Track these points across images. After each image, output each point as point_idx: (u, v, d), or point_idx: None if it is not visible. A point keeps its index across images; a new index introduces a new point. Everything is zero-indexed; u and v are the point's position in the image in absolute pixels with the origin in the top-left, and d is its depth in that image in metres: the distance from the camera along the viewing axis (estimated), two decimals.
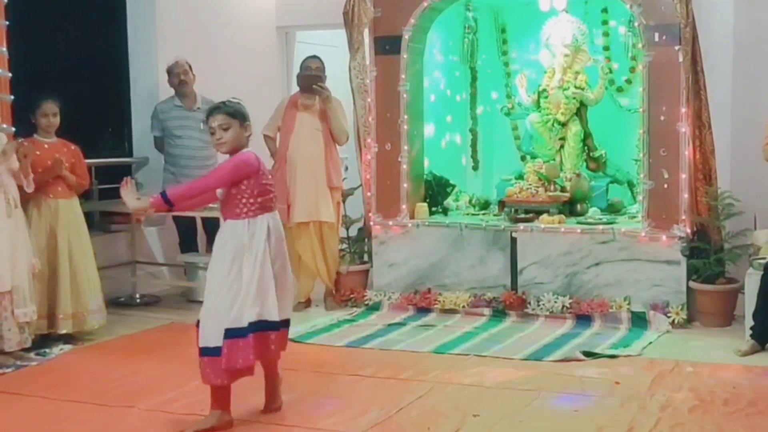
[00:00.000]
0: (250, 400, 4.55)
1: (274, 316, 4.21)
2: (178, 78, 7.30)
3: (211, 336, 4.16)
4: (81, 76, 8.02)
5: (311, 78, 6.72)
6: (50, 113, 5.91)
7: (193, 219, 7.12)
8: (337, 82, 7.20)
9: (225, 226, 4.28)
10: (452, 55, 7.71)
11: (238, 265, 4.16)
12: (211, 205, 4.89)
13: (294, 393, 4.76)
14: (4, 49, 5.77)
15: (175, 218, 7.44)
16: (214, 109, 4.26)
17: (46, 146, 5.92)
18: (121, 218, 7.45)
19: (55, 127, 5.96)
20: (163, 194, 4.26)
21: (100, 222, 7.40)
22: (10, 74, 5.80)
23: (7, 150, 5.42)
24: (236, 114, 4.23)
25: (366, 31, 6.95)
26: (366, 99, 7.03)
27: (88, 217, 6.53)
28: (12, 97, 5.82)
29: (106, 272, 6.83)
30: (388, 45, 6.95)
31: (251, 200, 4.19)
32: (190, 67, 7.35)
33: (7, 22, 5.79)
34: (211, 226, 6.84)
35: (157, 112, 7.36)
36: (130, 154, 8.08)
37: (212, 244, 6.86)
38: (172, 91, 7.61)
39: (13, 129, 5.84)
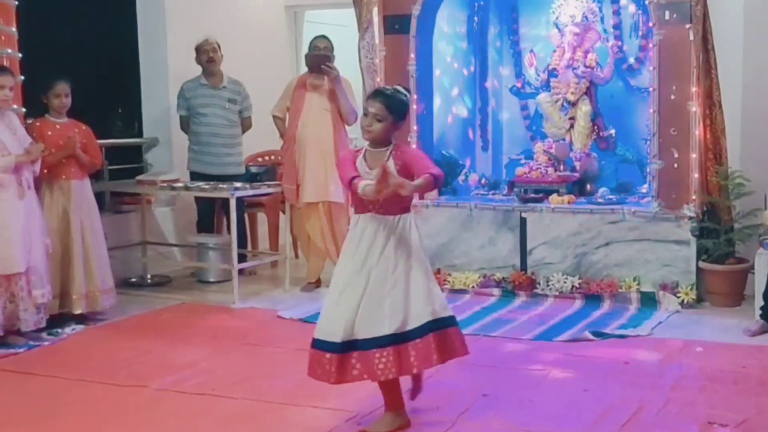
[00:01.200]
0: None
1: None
2: (207, 55, 7.30)
3: None
4: (91, 57, 8.05)
5: (320, 58, 6.70)
6: (62, 93, 5.92)
7: (213, 200, 7.11)
8: (346, 61, 7.19)
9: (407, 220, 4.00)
10: (461, 35, 7.67)
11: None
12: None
13: (304, 373, 4.76)
14: (14, 29, 5.77)
15: (196, 198, 7.45)
16: (378, 94, 3.96)
17: (57, 126, 5.93)
18: (131, 199, 7.49)
19: (66, 108, 5.97)
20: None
21: (110, 203, 7.43)
22: (20, 55, 5.81)
23: (33, 151, 5.45)
24: (394, 110, 3.90)
25: (375, 10, 6.92)
26: (375, 78, 7.01)
27: (99, 197, 6.56)
28: (22, 77, 5.83)
29: (117, 253, 6.87)
30: (397, 24, 6.93)
31: None
32: (218, 46, 7.36)
33: (17, 2, 5.79)
34: (229, 208, 6.84)
35: (183, 90, 7.37)
36: (140, 135, 8.10)
37: (239, 227, 6.93)
38: (180, 72, 7.62)
39: (24, 109, 5.86)
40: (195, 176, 7.31)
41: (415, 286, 3.89)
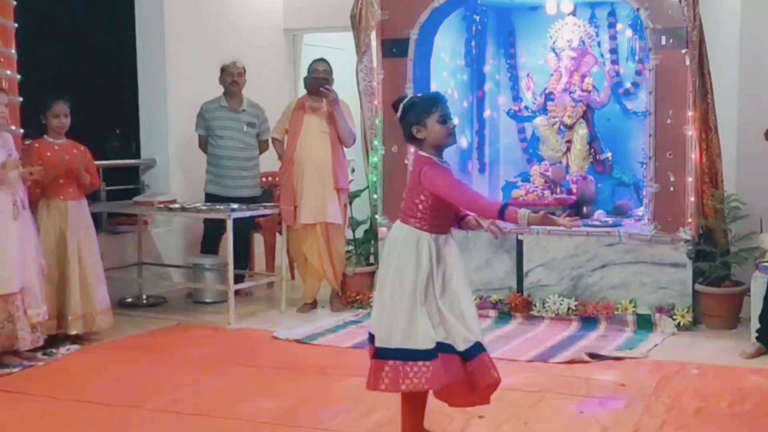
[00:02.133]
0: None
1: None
2: (232, 78, 7.33)
3: None
4: (89, 78, 8.07)
5: (318, 81, 6.74)
6: (62, 114, 5.92)
7: (222, 222, 7.10)
8: (344, 84, 7.23)
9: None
10: (459, 58, 7.72)
11: None
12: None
13: (300, 394, 4.77)
14: (13, 51, 5.80)
15: (205, 221, 7.44)
16: (444, 98, 3.94)
17: (56, 147, 5.93)
18: (127, 220, 7.50)
19: (66, 128, 5.97)
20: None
21: (107, 223, 7.43)
22: (18, 76, 5.83)
23: (8, 165, 5.42)
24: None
25: (373, 34, 6.97)
26: (373, 101, 7.05)
27: (96, 218, 6.56)
28: (21, 98, 5.85)
29: (113, 273, 6.86)
30: (395, 48, 6.97)
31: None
32: (244, 70, 7.40)
33: (16, 25, 5.82)
34: (239, 229, 6.83)
35: (203, 111, 7.40)
36: (138, 156, 8.12)
37: (237, 247, 6.91)
38: (176, 93, 7.65)
39: (22, 131, 5.87)
40: (211, 198, 7.30)
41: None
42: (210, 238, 7.53)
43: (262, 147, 7.52)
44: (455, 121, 3.97)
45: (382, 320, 3.80)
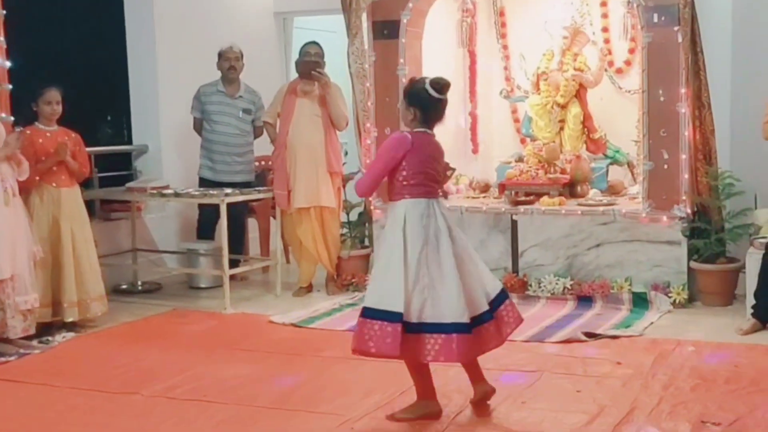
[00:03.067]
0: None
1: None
2: (229, 63, 7.28)
3: None
4: (79, 65, 8.03)
5: (310, 64, 6.71)
6: (53, 101, 5.88)
7: (217, 207, 7.08)
8: (336, 67, 7.19)
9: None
10: (450, 39, 7.69)
11: None
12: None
13: (297, 377, 4.77)
14: (2, 38, 5.76)
15: (200, 206, 7.43)
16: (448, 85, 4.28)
17: (48, 134, 5.90)
18: (121, 206, 7.47)
19: (57, 115, 5.93)
20: None
21: (100, 210, 7.41)
22: (9, 63, 5.79)
23: (10, 141, 5.41)
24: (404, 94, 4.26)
25: (364, 16, 6.93)
26: (365, 84, 7.02)
27: (89, 205, 6.53)
28: (11, 86, 5.81)
29: (108, 260, 6.85)
30: (386, 29, 6.94)
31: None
32: (242, 55, 7.35)
33: (5, 12, 5.78)
34: (234, 214, 6.81)
35: (200, 93, 7.36)
36: (130, 142, 8.09)
37: (234, 232, 6.91)
38: (168, 79, 7.61)
39: (12, 118, 5.84)
40: (205, 183, 7.29)
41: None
42: (205, 223, 7.52)
43: (257, 133, 7.49)
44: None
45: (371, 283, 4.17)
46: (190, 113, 7.42)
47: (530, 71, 7.47)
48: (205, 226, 7.52)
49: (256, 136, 7.49)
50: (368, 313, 3.97)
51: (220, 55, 7.34)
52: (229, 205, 6.55)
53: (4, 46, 5.78)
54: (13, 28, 5.90)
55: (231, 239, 6.64)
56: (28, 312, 5.48)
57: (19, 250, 5.44)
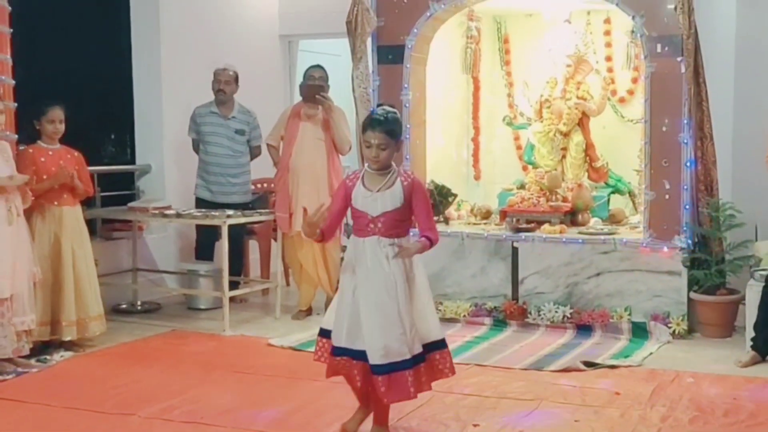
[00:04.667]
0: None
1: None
2: (219, 85, 7.30)
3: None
4: (84, 83, 8.04)
5: (314, 88, 6.74)
6: (57, 119, 5.89)
7: (215, 228, 7.10)
8: (340, 91, 7.22)
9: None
10: (454, 65, 7.72)
11: None
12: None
13: (296, 401, 4.76)
14: (8, 56, 5.78)
15: (197, 227, 7.43)
16: (376, 124, 4.01)
17: (50, 153, 5.91)
18: (122, 226, 7.48)
19: (60, 134, 5.94)
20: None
21: (102, 229, 7.41)
22: (13, 81, 5.81)
23: (16, 179, 5.43)
24: (394, 134, 4.05)
25: (369, 41, 6.96)
26: (369, 108, 7.04)
27: (90, 224, 6.54)
28: (15, 104, 5.83)
29: (108, 279, 6.85)
30: (390, 54, 6.97)
31: None
32: (237, 77, 7.35)
33: (11, 30, 5.80)
34: (233, 235, 6.81)
35: (195, 115, 7.38)
36: (133, 162, 8.10)
37: (232, 253, 6.91)
38: (172, 99, 7.64)
39: (16, 136, 5.85)
40: (201, 203, 7.30)
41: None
42: (203, 244, 7.52)
43: (254, 153, 7.50)
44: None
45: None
46: (188, 134, 7.45)
47: (533, 99, 7.49)
48: (204, 247, 7.53)
49: (253, 157, 7.50)
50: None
51: (214, 74, 7.36)
52: (228, 227, 6.55)
53: (10, 64, 5.80)
54: (18, 46, 5.92)
55: (229, 260, 6.63)
56: (24, 333, 5.47)
57: (20, 271, 5.44)
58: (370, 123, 4.04)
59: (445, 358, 4.16)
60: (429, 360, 4.09)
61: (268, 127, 7.14)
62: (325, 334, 4.23)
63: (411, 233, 4.16)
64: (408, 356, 3.96)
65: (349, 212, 4.18)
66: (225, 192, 7.31)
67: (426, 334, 4.09)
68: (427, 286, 4.16)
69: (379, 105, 4.22)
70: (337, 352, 4.08)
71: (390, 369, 3.93)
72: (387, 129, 4.01)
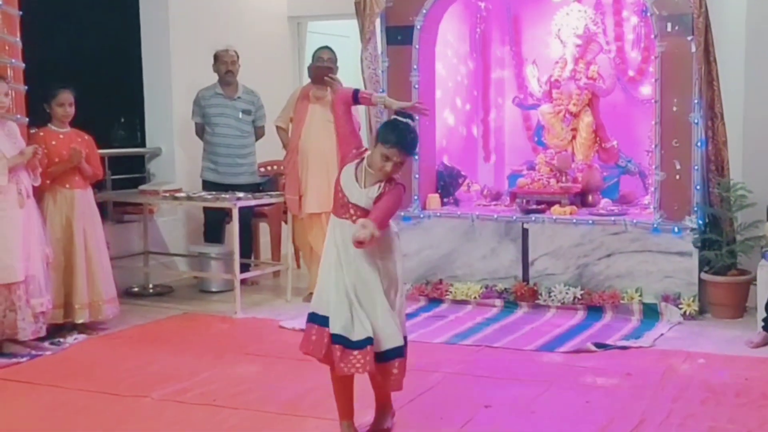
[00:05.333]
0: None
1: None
2: (226, 67, 7.32)
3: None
4: (93, 67, 8.04)
5: (322, 69, 6.73)
6: (66, 103, 5.91)
7: (223, 210, 7.11)
8: (349, 72, 7.21)
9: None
10: (463, 46, 7.70)
11: None
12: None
13: (307, 383, 4.78)
14: (18, 39, 5.78)
15: (205, 209, 7.46)
16: (405, 144, 3.83)
17: (60, 136, 5.93)
18: (133, 209, 7.50)
19: (70, 117, 5.97)
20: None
21: (113, 212, 7.44)
22: (23, 64, 5.81)
23: (26, 153, 5.44)
24: (411, 150, 3.94)
25: (378, 21, 6.94)
26: (378, 89, 7.03)
27: (102, 207, 6.56)
28: (26, 87, 5.83)
29: (120, 262, 6.88)
30: (399, 35, 6.95)
31: None
32: (238, 56, 7.38)
33: (20, 13, 5.80)
34: (242, 218, 6.84)
35: (199, 98, 7.40)
36: (143, 145, 8.12)
37: (242, 235, 6.93)
38: (181, 82, 7.63)
39: (27, 119, 5.86)
40: (208, 185, 7.32)
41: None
42: (211, 226, 7.55)
43: (259, 133, 7.52)
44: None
45: None
46: (191, 119, 7.46)
47: (543, 79, 7.47)
48: (212, 229, 7.56)
49: (257, 137, 7.52)
50: None
51: (216, 57, 7.37)
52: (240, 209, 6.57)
53: (20, 47, 5.80)
54: (28, 29, 5.92)
55: (241, 240, 6.65)
56: (40, 314, 5.51)
57: (33, 252, 5.47)
58: (398, 141, 3.82)
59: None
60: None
61: (277, 110, 7.13)
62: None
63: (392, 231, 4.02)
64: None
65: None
66: (233, 173, 7.33)
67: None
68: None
69: (401, 115, 3.97)
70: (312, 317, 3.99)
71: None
72: (405, 147, 3.84)
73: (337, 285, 3.88)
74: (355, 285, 3.86)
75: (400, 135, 3.84)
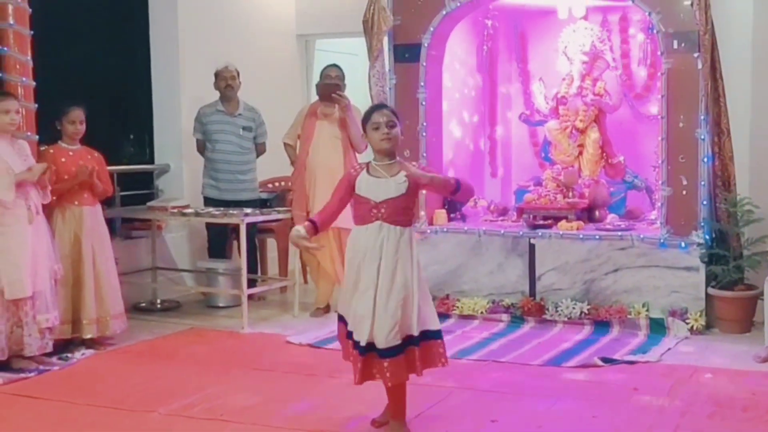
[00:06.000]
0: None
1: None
2: (225, 82, 7.38)
3: None
4: (103, 84, 8.11)
5: (330, 87, 6.77)
6: (77, 120, 5.96)
7: (224, 226, 7.14)
8: (357, 89, 7.25)
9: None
10: (470, 63, 7.73)
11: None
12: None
13: (314, 398, 4.79)
14: (29, 58, 5.83)
15: (207, 225, 7.50)
16: (381, 106, 4.25)
17: (70, 153, 5.97)
18: (141, 225, 7.54)
19: (81, 134, 6.01)
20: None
21: (121, 228, 7.47)
22: (34, 83, 5.86)
23: (35, 171, 5.49)
24: (398, 116, 4.17)
25: (385, 39, 6.98)
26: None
27: (110, 223, 6.60)
28: (36, 105, 5.88)
29: (128, 278, 6.90)
30: (407, 53, 6.99)
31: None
32: (238, 73, 7.43)
33: (32, 32, 5.86)
34: (249, 233, 6.87)
35: (200, 115, 7.44)
36: (152, 161, 8.16)
37: (251, 252, 6.97)
38: (190, 99, 7.69)
39: (37, 137, 5.91)
40: (209, 202, 7.36)
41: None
42: (215, 242, 7.58)
43: (260, 150, 7.56)
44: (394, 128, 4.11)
45: None
46: (193, 135, 7.50)
47: (550, 96, 7.50)
48: (216, 245, 7.58)
49: (258, 154, 7.56)
50: None
51: (216, 75, 7.42)
52: (236, 225, 6.60)
53: (31, 66, 5.85)
54: (39, 48, 5.97)
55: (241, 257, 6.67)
56: (47, 330, 5.53)
57: (41, 268, 5.49)
58: (373, 108, 4.17)
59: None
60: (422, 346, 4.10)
61: (286, 127, 7.17)
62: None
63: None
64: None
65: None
66: (234, 189, 7.36)
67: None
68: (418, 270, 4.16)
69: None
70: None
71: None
72: (391, 109, 4.18)
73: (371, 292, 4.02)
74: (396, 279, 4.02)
75: (371, 107, 4.20)
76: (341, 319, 4.22)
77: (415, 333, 4.03)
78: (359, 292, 4.06)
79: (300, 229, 4.12)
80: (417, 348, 4.03)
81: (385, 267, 4.03)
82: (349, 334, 4.10)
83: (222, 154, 7.36)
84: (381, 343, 3.97)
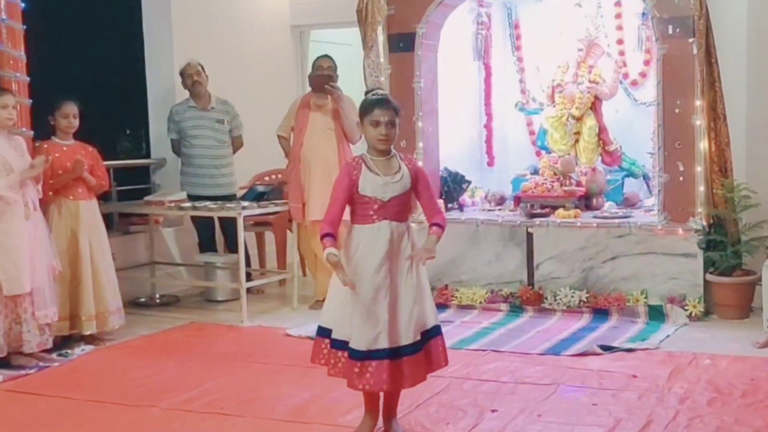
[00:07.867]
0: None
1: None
2: (191, 79, 7.34)
3: None
4: (98, 79, 8.10)
5: (322, 78, 6.75)
6: (71, 114, 5.94)
7: (212, 220, 7.14)
8: (352, 80, 7.23)
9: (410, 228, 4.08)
10: (465, 52, 7.72)
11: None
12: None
13: (314, 390, 4.79)
14: (22, 53, 5.82)
15: (193, 219, 7.50)
16: (383, 102, 3.95)
17: (64, 148, 5.95)
18: (139, 219, 7.53)
19: (74, 129, 5.99)
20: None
21: (119, 223, 7.46)
22: (28, 78, 5.84)
23: (36, 165, 5.48)
24: (398, 112, 4.00)
25: (380, 29, 6.97)
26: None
27: (107, 218, 6.59)
28: (30, 100, 5.87)
29: (126, 273, 6.90)
30: (401, 42, 6.99)
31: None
32: (202, 68, 7.39)
33: (25, 27, 5.84)
34: (230, 227, 6.87)
35: (173, 114, 7.41)
36: (148, 156, 8.15)
37: (231, 245, 6.98)
38: (184, 91, 7.66)
39: (32, 132, 5.89)
40: (190, 198, 7.33)
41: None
42: (204, 237, 7.57)
43: (236, 144, 7.51)
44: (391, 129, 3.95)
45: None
46: (167, 135, 7.48)
47: (545, 84, 7.48)
48: (206, 240, 7.57)
49: (235, 148, 7.50)
50: None
51: (182, 73, 7.39)
52: (222, 219, 6.56)
53: (24, 61, 5.83)
54: (32, 41, 5.95)
55: (231, 251, 6.68)
56: (46, 326, 5.53)
57: (39, 264, 5.49)
58: (376, 102, 3.94)
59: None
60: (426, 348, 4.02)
61: (279, 119, 7.15)
62: (327, 334, 4.09)
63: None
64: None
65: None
66: (213, 184, 7.32)
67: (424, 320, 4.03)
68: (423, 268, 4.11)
69: (369, 92, 4.11)
70: (360, 355, 3.91)
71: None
72: (393, 106, 3.96)
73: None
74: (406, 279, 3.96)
75: (374, 99, 3.96)
76: (323, 333, 4.10)
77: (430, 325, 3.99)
78: (372, 299, 3.93)
79: (336, 253, 3.94)
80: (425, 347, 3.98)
81: (401, 266, 3.97)
82: (337, 344, 4.00)
83: (200, 149, 7.33)
84: (408, 339, 3.89)
